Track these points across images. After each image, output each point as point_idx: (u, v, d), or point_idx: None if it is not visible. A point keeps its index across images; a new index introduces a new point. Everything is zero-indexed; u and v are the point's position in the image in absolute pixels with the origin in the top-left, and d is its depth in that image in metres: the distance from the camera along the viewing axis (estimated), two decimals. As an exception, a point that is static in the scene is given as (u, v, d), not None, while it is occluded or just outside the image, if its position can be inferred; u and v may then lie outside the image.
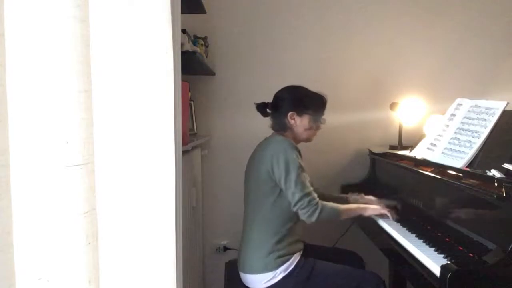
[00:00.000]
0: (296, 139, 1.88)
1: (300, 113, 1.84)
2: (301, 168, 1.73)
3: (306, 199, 1.69)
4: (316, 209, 1.69)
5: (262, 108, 1.90)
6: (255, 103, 1.91)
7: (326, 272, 1.76)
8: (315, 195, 1.73)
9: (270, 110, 1.89)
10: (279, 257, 1.72)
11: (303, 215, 1.70)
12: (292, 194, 1.69)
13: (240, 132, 2.52)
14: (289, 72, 2.53)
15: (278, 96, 1.89)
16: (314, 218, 1.69)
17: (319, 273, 1.74)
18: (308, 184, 1.73)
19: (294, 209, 1.71)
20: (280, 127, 1.86)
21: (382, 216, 1.88)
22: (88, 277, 0.59)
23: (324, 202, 1.74)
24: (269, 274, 1.71)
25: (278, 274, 1.71)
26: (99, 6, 0.64)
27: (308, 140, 1.92)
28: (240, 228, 1.90)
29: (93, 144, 0.61)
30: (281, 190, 1.73)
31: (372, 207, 1.90)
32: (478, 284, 1.22)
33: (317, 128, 1.90)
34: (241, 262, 1.80)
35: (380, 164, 2.36)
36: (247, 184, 1.88)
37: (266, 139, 1.88)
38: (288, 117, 1.84)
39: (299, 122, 1.85)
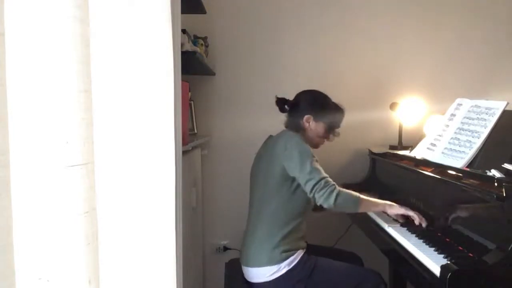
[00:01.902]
0: (306, 142, 1.87)
1: (316, 119, 1.86)
2: (314, 158, 1.72)
3: (323, 181, 1.66)
4: (333, 190, 1.64)
5: (281, 103, 1.90)
6: (276, 96, 1.90)
7: (328, 269, 1.77)
8: (331, 180, 1.70)
9: (288, 107, 1.89)
10: (285, 251, 1.73)
11: (319, 197, 1.65)
12: (308, 180, 1.66)
13: (240, 132, 2.52)
14: (289, 72, 2.53)
15: (300, 96, 1.91)
16: (331, 201, 1.63)
17: (321, 270, 1.75)
18: (323, 171, 1.70)
19: (311, 195, 1.67)
20: (294, 127, 1.87)
21: (406, 217, 1.76)
22: (88, 277, 0.59)
23: (342, 188, 1.70)
24: (274, 267, 1.72)
25: (283, 268, 1.72)
26: (99, 6, 0.64)
27: (315, 146, 1.91)
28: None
29: (93, 144, 0.61)
30: (291, 186, 1.74)
31: (398, 206, 1.78)
32: (478, 284, 1.22)
33: (328, 138, 1.91)
34: (244, 256, 1.81)
35: (380, 164, 2.36)
36: (254, 178, 1.88)
37: (276, 135, 1.87)
38: (304, 120, 1.85)
39: (313, 127, 1.86)
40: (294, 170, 1.70)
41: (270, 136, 1.91)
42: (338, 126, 1.91)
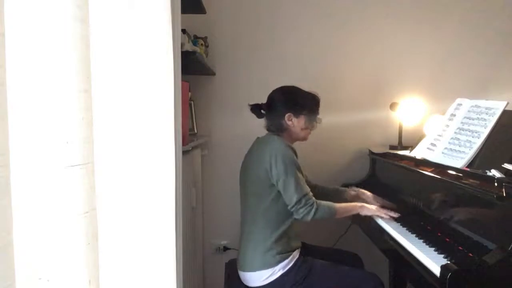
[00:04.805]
0: (293, 139, 1.89)
1: (296, 114, 1.86)
2: (298, 169, 1.75)
3: (303, 199, 1.72)
4: (311, 209, 1.72)
5: (256, 109, 1.91)
6: (249, 104, 1.92)
7: (324, 271, 1.76)
8: (311, 194, 1.76)
9: (264, 111, 1.90)
10: (278, 253, 1.73)
11: (298, 214, 1.73)
12: (290, 195, 1.72)
13: (240, 132, 2.52)
14: (289, 72, 2.53)
15: (272, 97, 1.90)
16: (309, 217, 1.72)
17: (317, 272, 1.75)
18: (305, 185, 1.75)
19: (291, 210, 1.73)
20: (277, 128, 1.87)
21: (378, 216, 1.87)
22: (88, 277, 0.59)
23: (320, 201, 1.77)
24: (268, 271, 1.72)
25: (277, 271, 1.72)
26: (99, 6, 0.64)
27: (304, 139, 1.93)
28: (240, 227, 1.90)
29: (93, 144, 0.61)
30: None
31: (368, 206, 1.89)
32: (478, 284, 1.22)
33: (313, 127, 1.92)
34: (240, 261, 1.81)
35: (380, 164, 2.36)
36: (243, 183, 1.89)
37: (261, 139, 1.88)
38: (286, 119, 1.85)
39: (296, 123, 1.86)
40: (278, 179, 1.73)
41: (257, 139, 1.91)
42: (318, 113, 1.92)
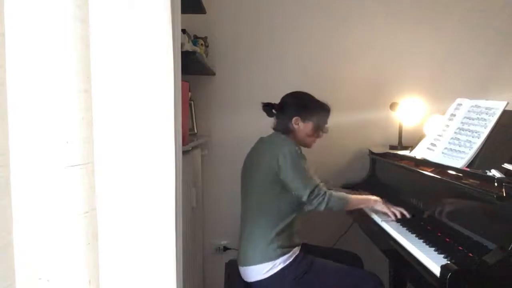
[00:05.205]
0: (296, 143, 1.90)
1: (304, 119, 1.89)
2: (306, 164, 1.79)
3: (316, 190, 1.75)
4: (324, 198, 1.75)
5: (268, 108, 1.95)
6: (262, 103, 1.95)
7: (324, 269, 1.78)
8: (322, 184, 1.79)
9: (275, 111, 1.94)
10: (279, 247, 1.75)
11: (312, 205, 1.76)
12: (303, 188, 1.74)
13: (240, 132, 2.52)
14: (289, 72, 2.53)
15: (285, 99, 1.95)
16: (322, 207, 1.76)
17: (317, 270, 1.76)
18: (315, 176, 1.79)
19: (305, 201, 1.76)
20: (283, 129, 1.90)
21: (388, 214, 1.86)
22: (88, 277, 0.59)
23: (331, 192, 1.80)
24: (269, 264, 1.73)
25: (278, 265, 1.73)
26: (99, 6, 0.64)
27: (307, 145, 1.96)
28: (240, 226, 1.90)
29: (93, 144, 0.61)
30: (283, 184, 1.77)
31: (382, 203, 1.90)
32: (478, 284, 1.22)
33: (318, 136, 1.96)
34: (241, 256, 1.82)
35: (380, 164, 2.36)
36: (246, 182, 1.90)
37: (266, 138, 1.91)
38: (293, 122, 1.89)
39: (302, 127, 1.90)
40: (287, 174, 1.75)
41: (261, 138, 1.94)
42: (326, 123, 1.96)
